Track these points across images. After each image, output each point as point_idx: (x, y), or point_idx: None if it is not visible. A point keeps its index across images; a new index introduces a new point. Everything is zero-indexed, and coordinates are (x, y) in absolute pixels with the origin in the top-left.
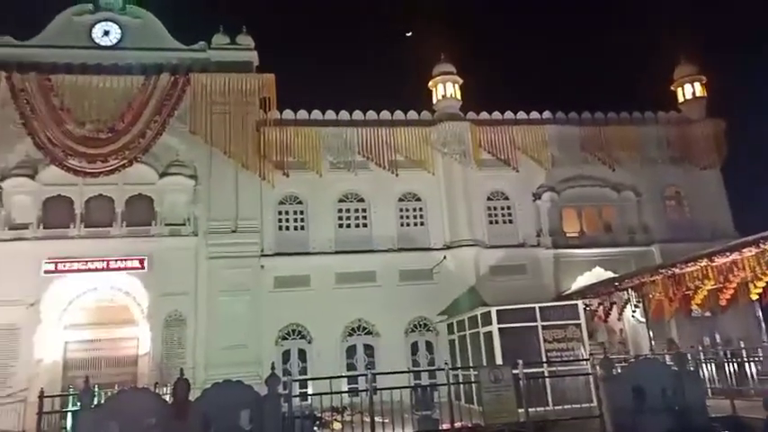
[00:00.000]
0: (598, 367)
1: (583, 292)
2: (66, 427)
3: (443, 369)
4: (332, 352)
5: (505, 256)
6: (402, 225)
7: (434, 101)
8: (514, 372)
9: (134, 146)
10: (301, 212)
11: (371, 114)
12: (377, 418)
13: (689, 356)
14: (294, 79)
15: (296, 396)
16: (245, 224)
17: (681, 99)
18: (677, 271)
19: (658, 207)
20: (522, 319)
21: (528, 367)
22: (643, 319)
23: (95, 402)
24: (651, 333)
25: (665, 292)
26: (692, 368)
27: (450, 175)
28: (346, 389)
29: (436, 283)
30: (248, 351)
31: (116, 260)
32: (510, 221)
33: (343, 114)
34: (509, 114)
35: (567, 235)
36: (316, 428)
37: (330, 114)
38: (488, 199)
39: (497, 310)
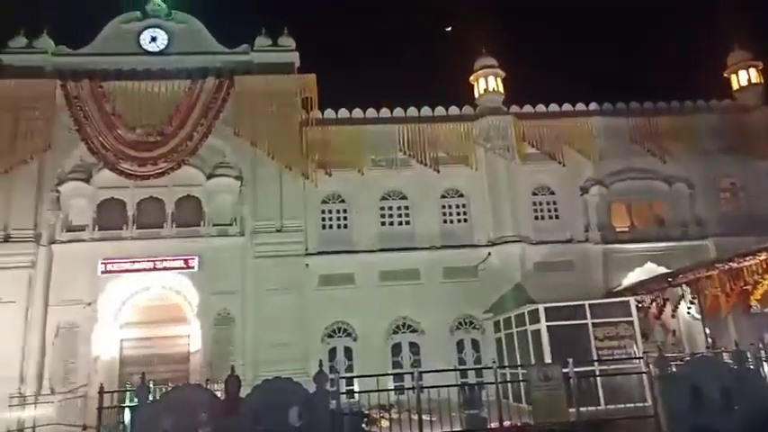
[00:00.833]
0: (652, 366)
1: (634, 289)
2: (123, 422)
3: (491, 367)
4: (377, 350)
5: (552, 251)
6: (445, 222)
7: (476, 95)
8: (564, 370)
9: (182, 149)
10: (344, 211)
11: (412, 111)
12: (424, 416)
13: (748, 354)
14: (335, 78)
15: (343, 393)
16: (289, 223)
17: (735, 86)
18: (735, 265)
19: (712, 200)
20: (571, 317)
21: (578, 366)
22: (698, 316)
23: (151, 398)
24: (707, 330)
25: (722, 288)
26: (751, 366)
27: (494, 171)
28: (392, 387)
29: (481, 281)
30: (295, 349)
31: (165, 260)
32: (556, 217)
33: (384, 112)
34: (554, 107)
35: (617, 230)
36: (364, 425)
37: (371, 112)
38: (533, 194)
39: (546, 308)
